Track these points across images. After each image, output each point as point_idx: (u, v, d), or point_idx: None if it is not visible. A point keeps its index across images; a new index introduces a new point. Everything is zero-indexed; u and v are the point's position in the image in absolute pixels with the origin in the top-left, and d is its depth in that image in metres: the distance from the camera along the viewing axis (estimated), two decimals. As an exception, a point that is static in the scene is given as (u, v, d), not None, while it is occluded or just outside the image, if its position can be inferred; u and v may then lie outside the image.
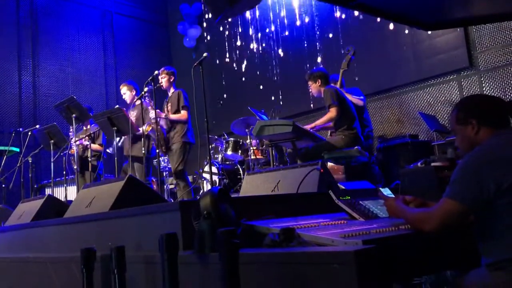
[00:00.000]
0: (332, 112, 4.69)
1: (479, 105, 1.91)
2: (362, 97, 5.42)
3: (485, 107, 1.88)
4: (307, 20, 7.90)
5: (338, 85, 5.20)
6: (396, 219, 1.87)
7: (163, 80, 5.45)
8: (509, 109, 1.89)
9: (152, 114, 5.24)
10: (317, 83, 4.97)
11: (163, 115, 5.37)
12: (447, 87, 6.41)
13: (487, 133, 1.82)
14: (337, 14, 7.40)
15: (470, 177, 1.67)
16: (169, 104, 5.49)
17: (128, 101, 5.88)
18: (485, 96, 2.30)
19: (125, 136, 5.61)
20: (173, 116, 5.36)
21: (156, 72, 4.98)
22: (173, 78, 5.52)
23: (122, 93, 5.99)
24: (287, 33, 8.17)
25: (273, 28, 8.41)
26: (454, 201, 1.67)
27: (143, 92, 5.24)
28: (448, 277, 2.09)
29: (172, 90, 5.54)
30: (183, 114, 5.34)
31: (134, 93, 5.84)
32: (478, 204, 1.67)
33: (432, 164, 3.07)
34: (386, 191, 2.18)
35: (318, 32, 7.73)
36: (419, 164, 3.24)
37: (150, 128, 5.27)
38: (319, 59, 7.61)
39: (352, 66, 5.71)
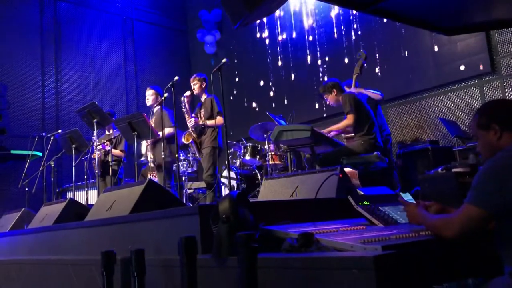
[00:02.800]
0: (349, 119, 4.69)
1: (502, 110, 1.88)
2: (380, 93, 5.42)
3: (507, 112, 1.85)
4: (324, 24, 7.90)
5: (352, 89, 5.20)
6: (416, 225, 1.85)
7: (195, 87, 5.67)
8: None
9: (190, 122, 5.51)
10: (333, 93, 4.98)
11: (200, 122, 5.53)
12: (468, 93, 6.32)
13: (510, 138, 1.80)
14: (356, 18, 7.38)
15: (491, 182, 1.65)
16: (202, 110, 5.65)
17: (148, 104, 6.03)
18: (507, 101, 2.25)
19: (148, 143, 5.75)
20: (209, 122, 5.49)
21: (176, 78, 5.00)
22: (204, 84, 5.70)
23: (146, 96, 6.10)
24: (308, 37, 8.17)
25: (292, 33, 8.43)
26: (475, 206, 1.64)
27: (163, 98, 5.30)
28: (469, 285, 2.05)
29: (204, 96, 5.71)
30: (219, 119, 5.44)
31: (158, 98, 5.95)
32: (499, 210, 1.64)
33: (453, 170, 3.04)
34: (407, 196, 2.16)
35: (336, 37, 7.71)
36: (439, 170, 3.20)
37: (191, 138, 5.49)
38: (337, 64, 7.58)
39: (371, 71, 5.69)
